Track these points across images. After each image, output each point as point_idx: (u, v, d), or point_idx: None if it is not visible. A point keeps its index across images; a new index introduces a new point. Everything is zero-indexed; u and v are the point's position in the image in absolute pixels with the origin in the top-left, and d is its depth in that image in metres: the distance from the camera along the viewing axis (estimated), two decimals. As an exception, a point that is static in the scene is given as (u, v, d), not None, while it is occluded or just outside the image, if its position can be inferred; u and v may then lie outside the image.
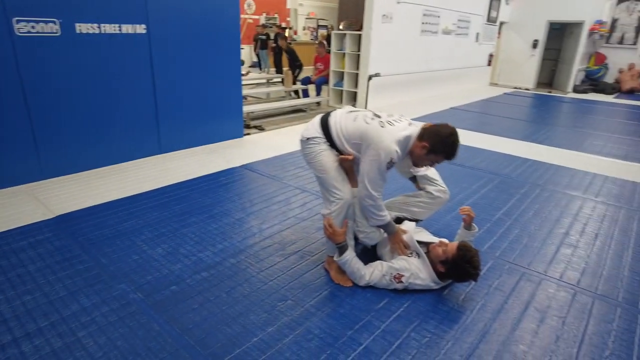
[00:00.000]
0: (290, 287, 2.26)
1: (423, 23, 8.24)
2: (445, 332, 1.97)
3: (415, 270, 2.19)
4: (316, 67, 8.15)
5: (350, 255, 2.23)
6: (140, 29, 3.95)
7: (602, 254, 2.77)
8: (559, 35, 11.63)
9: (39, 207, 3.12)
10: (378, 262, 2.31)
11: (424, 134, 2.12)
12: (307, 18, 15.38)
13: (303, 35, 15.27)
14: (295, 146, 4.90)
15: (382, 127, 2.11)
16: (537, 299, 2.26)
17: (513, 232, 3.02)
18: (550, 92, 11.30)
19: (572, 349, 1.91)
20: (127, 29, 3.85)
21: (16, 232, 2.78)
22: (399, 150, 2.08)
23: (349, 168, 2.32)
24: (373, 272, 2.24)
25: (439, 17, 8.64)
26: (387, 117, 2.19)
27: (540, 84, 12.11)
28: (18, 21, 3.24)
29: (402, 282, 2.19)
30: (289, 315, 2.04)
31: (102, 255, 2.50)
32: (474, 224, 2.47)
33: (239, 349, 1.82)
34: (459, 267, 2.09)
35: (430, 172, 2.67)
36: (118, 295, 2.15)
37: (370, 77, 7.29)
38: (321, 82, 8.02)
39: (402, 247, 2.30)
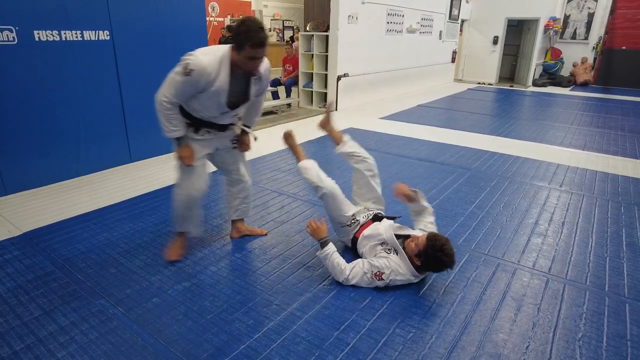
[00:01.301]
0: (274, 292, 2.26)
1: (388, 22, 8.37)
2: (429, 326, 2.03)
3: (395, 267, 2.23)
4: (285, 69, 8.15)
5: (331, 249, 2.30)
6: (104, 35, 3.84)
7: (569, 241, 2.92)
8: (517, 31, 12.09)
9: (4, 225, 2.98)
10: (359, 259, 2.35)
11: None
12: (272, 19, 15.31)
13: (269, 37, 15.19)
14: (270, 149, 4.92)
15: None
16: (512, 288, 2.36)
17: (486, 224, 3.13)
18: (511, 86, 11.74)
19: (548, 334, 2.01)
20: (89, 35, 3.73)
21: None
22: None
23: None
24: (354, 268, 2.28)
25: (403, 16, 8.80)
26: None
27: (502, 78, 12.55)
28: (-28, 30, 3.08)
29: (383, 279, 2.23)
30: (275, 320, 2.04)
31: (77, 271, 2.42)
32: (415, 191, 2.56)
33: (227, 358, 1.81)
34: (432, 257, 2.14)
35: (347, 145, 2.82)
36: (97, 311, 2.09)
37: (339, 78, 7.35)
38: (290, 84, 8.02)
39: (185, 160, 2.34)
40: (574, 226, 3.15)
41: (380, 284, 2.25)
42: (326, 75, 7.57)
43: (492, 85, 11.92)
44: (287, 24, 15.34)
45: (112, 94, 4.04)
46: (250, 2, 14.21)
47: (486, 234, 2.97)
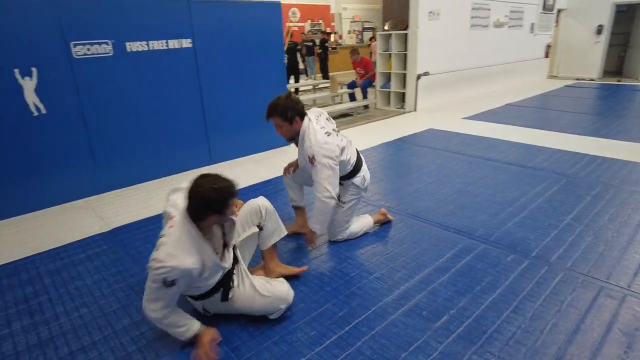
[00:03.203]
0: (340, 301, 2.15)
1: (472, 17, 7.86)
2: (512, 356, 1.77)
3: None
4: (357, 72, 7.99)
5: None
6: (186, 43, 4.04)
7: (697, 264, 2.41)
8: (628, 18, 10.66)
9: (97, 221, 3.24)
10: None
11: None
12: (352, 21, 15.28)
13: (348, 39, 15.19)
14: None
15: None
16: (621, 319, 1.98)
17: (585, 239, 2.71)
18: (619, 81, 10.36)
19: (669, 379, 1.64)
20: (173, 44, 3.95)
21: (77, 244, 2.90)
22: None
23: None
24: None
25: (489, 9, 8.20)
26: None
27: (607, 73, 11.16)
28: (75, 45, 3.41)
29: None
30: (338, 333, 1.93)
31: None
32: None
33: (287, 370, 1.74)
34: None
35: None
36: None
37: (418, 77, 7.05)
38: (366, 85, 7.87)
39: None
40: (703, 246, 2.60)
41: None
42: (405, 74, 7.30)
43: (593, 80, 10.63)
44: (366, 25, 15.20)
45: (194, 99, 4.24)
46: (330, 5, 14.31)
47: (586, 251, 2.57)
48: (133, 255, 2.70)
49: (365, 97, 7.86)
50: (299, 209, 2.93)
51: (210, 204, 1.67)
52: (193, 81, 4.19)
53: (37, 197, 3.47)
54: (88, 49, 3.47)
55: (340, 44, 14.31)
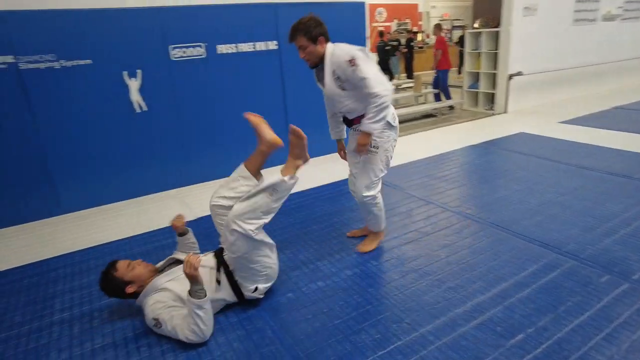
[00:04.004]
0: (406, 309, 2.09)
1: (576, 11, 7.13)
2: (601, 388, 1.58)
3: None
4: (435, 57, 7.61)
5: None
6: (272, 45, 4.22)
7: None
8: None
9: (184, 210, 3.52)
10: None
11: None
12: (440, 20, 14.75)
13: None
14: (422, 153, 4.69)
15: None
16: None
17: None
18: None
19: None
20: (260, 46, 4.15)
21: (166, 230, 3.17)
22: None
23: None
24: None
25: (597, 1, 7.38)
26: None
27: None
28: (173, 48, 3.74)
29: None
30: (403, 339, 1.88)
31: (230, 258, 2.68)
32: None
33: (348, 370, 1.73)
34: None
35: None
36: (239, 298, 2.25)
37: (510, 77, 6.58)
38: (440, 79, 7.52)
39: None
40: None
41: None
42: (495, 74, 6.87)
43: None
44: (456, 23, 14.56)
45: (277, 98, 4.41)
46: (417, 4, 13.95)
47: None
48: (215, 244, 2.88)
49: (447, 96, 7.51)
50: None
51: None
52: (277, 82, 4.36)
53: (136, 185, 3.87)
54: (184, 52, 3.79)
55: (427, 43, 13.87)
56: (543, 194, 3.38)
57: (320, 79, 2.42)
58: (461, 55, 10.31)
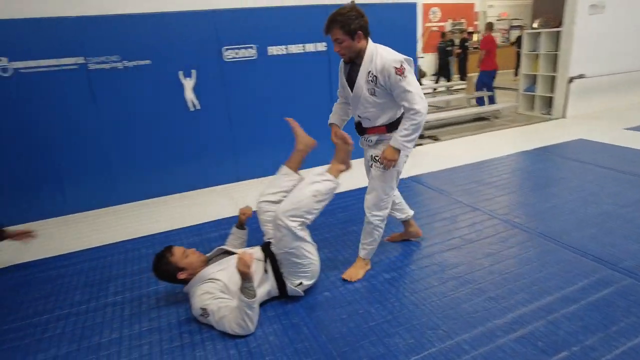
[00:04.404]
0: (444, 316, 2.05)
1: (652, 9, 6.59)
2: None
3: None
4: (480, 56, 7.39)
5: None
6: (321, 46, 4.27)
7: None
8: None
9: (231, 206, 3.66)
10: None
11: None
12: (497, 19, 14.18)
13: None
14: (471, 158, 4.55)
15: None
16: None
17: None
18: None
19: None
20: (309, 47, 4.22)
21: (212, 224, 3.32)
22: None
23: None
24: None
25: (677, -2, 6.77)
26: None
27: None
28: (226, 49, 3.89)
29: None
30: (438, 346, 1.85)
31: (270, 254, 2.76)
32: None
33: (380, 372, 1.74)
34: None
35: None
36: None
37: (571, 80, 6.21)
38: (484, 80, 7.27)
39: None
40: None
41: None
42: (553, 77, 6.51)
43: None
44: (514, 23, 13.93)
45: (323, 99, 4.45)
46: (474, 4, 13.50)
47: None
48: (258, 239, 2.97)
49: (490, 99, 7.23)
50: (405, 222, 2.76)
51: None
52: (324, 83, 4.41)
53: (186, 180, 4.07)
54: (236, 53, 3.93)
55: (483, 44, 13.39)
56: (600, 205, 3.18)
57: (351, 75, 2.23)
58: (518, 57, 9.90)
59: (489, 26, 7.53)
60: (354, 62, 2.19)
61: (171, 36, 3.66)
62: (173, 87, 3.79)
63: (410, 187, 3.88)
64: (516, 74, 10.42)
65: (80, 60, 3.42)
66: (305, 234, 2.13)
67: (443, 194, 3.65)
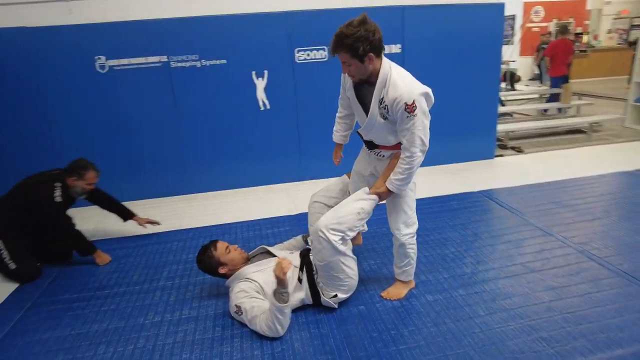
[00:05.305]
0: (482, 351, 1.87)
1: None
2: None
3: None
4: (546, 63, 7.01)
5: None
6: (396, 48, 4.13)
7: None
8: None
9: (289, 205, 3.72)
10: None
11: None
12: (615, 18, 12.57)
13: (607, 40, 12.57)
14: (556, 175, 4.09)
15: None
16: None
17: None
18: None
19: None
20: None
21: (268, 220, 3.41)
22: None
23: None
24: None
25: None
26: None
27: None
28: (298, 51, 3.95)
29: None
30: (468, 385, 1.69)
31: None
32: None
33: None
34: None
35: None
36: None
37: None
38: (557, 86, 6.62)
39: None
40: None
41: None
42: (675, 88, 5.59)
43: None
44: (636, 22, 12.22)
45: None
46: (586, 1, 12.09)
47: None
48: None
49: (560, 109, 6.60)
50: None
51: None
52: (396, 86, 4.26)
53: (251, 176, 4.22)
54: (308, 55, 3.97)
55: (593, 46, 11.98)
56: None
57: (360, 95, 2.04)
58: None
59: (563, 29, 6.93)
60: (366, 82, 1.98)
61: (246, 37, 3.81)
62: (246, 87, 3.95)
63: (478, 202, 3.61)
64: (629, 82, 9.14)
65: (164, 58, 3.72)
66: (345, 248, 2.09)
67: (514, 213, 3.33)
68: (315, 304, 2.21)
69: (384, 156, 2.19)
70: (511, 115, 7.20)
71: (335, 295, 2.15)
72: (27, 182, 2.77)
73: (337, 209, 2.11)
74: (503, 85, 8.66)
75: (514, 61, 9.39)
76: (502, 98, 7.36)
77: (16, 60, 3.55)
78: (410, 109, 1.86)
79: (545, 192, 3.73)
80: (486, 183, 4.02)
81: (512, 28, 10.99)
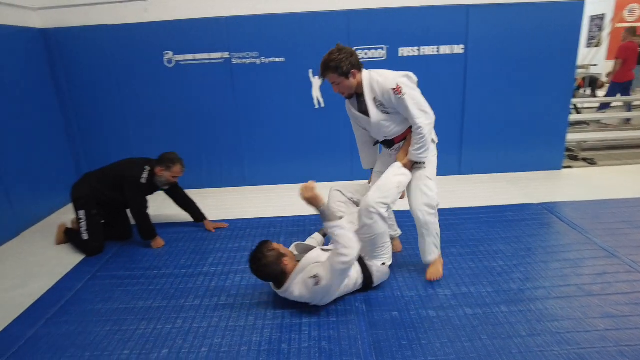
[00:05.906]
0: (517, 374, 1.76)
1: None
2: None
3: None
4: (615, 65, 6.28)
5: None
6: (458, 49, 3.98)
7: None
8: None
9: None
10: None
11: None
12: None
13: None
14: (632, 192, 3.70)
15: None
16: None
17: None
18: None
19: None
20: (444, 49, 3.97)
21: (309, 217, 3.43)
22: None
23: None
24: None
25: None
26: None
27: None
28: (356, 49, 3.91)
29: None
30: (496, 408, 1.59)
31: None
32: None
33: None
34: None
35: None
36: (344, 300, 2.29)
37: None
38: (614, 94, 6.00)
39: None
40: None
41: None
42: None
43: None
44: None
45: (455, 105, 4.17)
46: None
47: None
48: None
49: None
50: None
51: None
52: (458, 87, 4.12)
53: (303, 172, 4.26)
54: (366, 54, 3.94)
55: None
56: None
57: (362, 109, 2.35)
58: None
59: (631, 32, 6.22)
60: (357, 94, 2.33)
61: (304, 35, 3.87)
62: (302, 84, 4.01)
63: (537, 215, 3.37)
64: None
65: (226, 54, 3.89)
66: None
67: (576, 229, 3.07)
68: (366, 287, 2.32)
69: (398, 149, 2.45)
70: (587, 124, 6.61)
71: (384, 264, 2.36)
72: (121, 162, 3.08)
73: (379, 186, 2.26)
74: (582, 91, 7.99)
75: (595, 65, 8.63)
76: (578, 105, 6.78)
77: (96, 55, 3.90)
78: (398, 91, 2.19)
79: (616, 209, 3.39)
80: (549, 195, 3.74)
81: (600, 28, 10.08)
